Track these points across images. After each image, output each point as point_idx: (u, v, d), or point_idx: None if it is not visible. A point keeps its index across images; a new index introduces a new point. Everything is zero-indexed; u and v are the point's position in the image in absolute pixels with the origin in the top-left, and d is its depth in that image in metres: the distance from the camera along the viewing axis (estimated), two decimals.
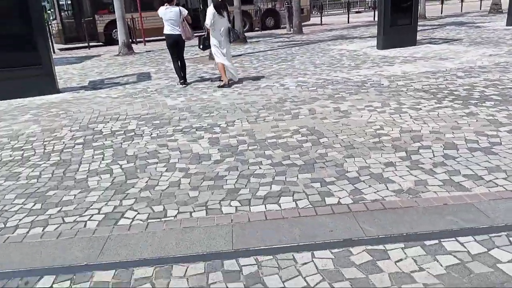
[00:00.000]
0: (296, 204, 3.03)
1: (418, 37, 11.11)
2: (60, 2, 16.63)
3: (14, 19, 7.27)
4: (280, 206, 3.02)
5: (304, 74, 7.90)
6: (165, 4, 7.33)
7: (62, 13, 16.58)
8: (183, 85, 7.56)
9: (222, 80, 7.43)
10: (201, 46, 7.63)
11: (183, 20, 7.25)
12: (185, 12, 7.38)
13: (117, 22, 13.27)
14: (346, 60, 9.25)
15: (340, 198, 3.07)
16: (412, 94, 5.84)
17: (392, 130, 4.43)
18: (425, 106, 5.20)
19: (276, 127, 4.83)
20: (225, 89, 7.14)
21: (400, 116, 4.89)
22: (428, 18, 19.34)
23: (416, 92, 5.94)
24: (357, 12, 29.90)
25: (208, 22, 7.10)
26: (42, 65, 7.36)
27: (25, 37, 7.28)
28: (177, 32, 7.30)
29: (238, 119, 5.25)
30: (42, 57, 7.35)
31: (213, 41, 7.31)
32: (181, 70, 7.68)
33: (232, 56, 11.15)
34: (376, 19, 12.50)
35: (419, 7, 13.45)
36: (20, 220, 3.09)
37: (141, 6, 15.98)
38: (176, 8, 7.32)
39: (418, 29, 11.14)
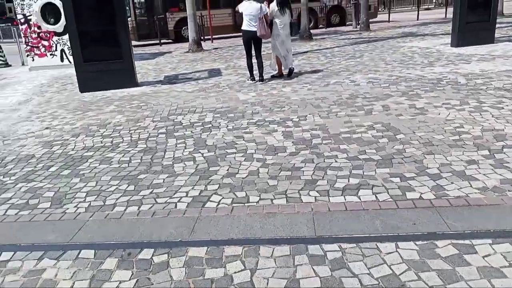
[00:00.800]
0: (376, 197, 3.07)
1: (496, 35, 10.50)
2: (135, 0, 17.58)
3: (100, 16, 7.86)
4: (360, 198, 3.08)
5: (375, 71, 7.80)
6: None
7: (136, 11, 17.51)
8: (253, 81, 7.73)
9: (275, 71, 8.09)
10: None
11: (262, 17, 7.34)
12: (265, 9, 7.40)
13: (188, 20, 13.80)
14: (418, 57, 8.98)
15: (421, 193, 3.07)
16: (493, 93, 5.59)
17: (473, 128, 4.30)
18: (507, 105, 4.98)
19: (349, 122, 4.86)
20: (294, 85, 7.24)
21: (481, 114, 4.72)
22: (506, 15, 18.15)
23: (496, 91, 5.68)
24: (426, 9, 28.68)
25: (269, 14, 7.49)
26: (123, 60, 7.88)
27: (109, 33, 7.83)
28: (254, 29, 7.39)
29: (309, 114, 5.33)
30: (124, 52, 7.88)
31: (273, 32, 7.63)
32: (253, 67, 7.83)
33: (299, 53, 11.33)
34: (449, 16, 11.96)
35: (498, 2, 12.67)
36: (117, 199, 3.40)
37: (210, 4, 16.47)
38: (258, 5, 7.33)
39: (496, 26, 10.53)
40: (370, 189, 3.20)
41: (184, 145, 4.56)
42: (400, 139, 4.17)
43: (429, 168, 3.47)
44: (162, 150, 4.43)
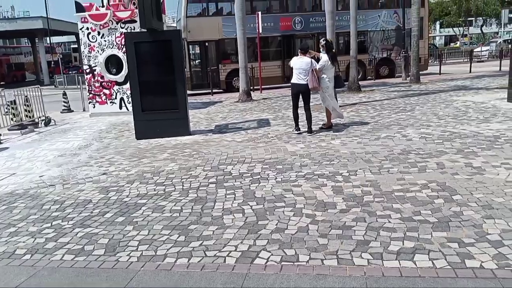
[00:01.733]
0: (433, 263, 2.93)
1: None
2: (191, 51, 18.63)
3: (159, 68, 8.40)
4: (415, 264, 2.94)
5: (427, 126, 7.64)
6: (299, 54, 7.75)
7: (191, 62, 18.50)
8: (298, 132, 7.84)
9: (326, 124, 8.22)
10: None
11: (313, 71, 7.55)
12: (315, 63, 7.66)
13: (240, 72, 14.38)
14: (472, 112, 8.73)
15: (482, 262, 2.89)
16: None
17: None
18: None
19: (402, 179, 4.74)
20: (343, 137, 7.23)
21: None
22: None
23: None
24: (479, 61, 28.12)
25: (319, 66, 7.76)
26: (179, 110, 8.27)
27: (167, 85, 8.30)
28: (303, 82, 7.58)
29: (360, 169, 5.26)
30: (180, 103, 8.28)
31: (322, 86, 7.84)
32: (298, 118, 7.99)
33: (347, 105, 11.37)
34: (503, 68, 11.64)
35: None
36: (167, 250, 3.46)
37: (261, 57, 17.11)
38: (308, 59, 7.60)
39: None
40: (426, 254, 3.06)
41: (233, 196, 4.62)
42: (457, 200, 4.00)
43: (490, 234, 3.28)
44: (212, 201, 4.50)
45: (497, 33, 49.20)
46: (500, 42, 34.52)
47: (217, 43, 18.36)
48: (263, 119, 10.05)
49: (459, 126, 7.41)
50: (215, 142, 7.59)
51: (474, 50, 33.85)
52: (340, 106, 11.06)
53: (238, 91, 14.83)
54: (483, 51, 31.29)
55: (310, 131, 7.78)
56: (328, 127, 8.13)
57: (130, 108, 11.58)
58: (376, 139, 6.92)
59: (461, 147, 5.96)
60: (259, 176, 5.26)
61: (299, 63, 7.61)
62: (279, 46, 19.43)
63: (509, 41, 33.27)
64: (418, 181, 4.64)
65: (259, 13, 16.76)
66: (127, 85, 11.79)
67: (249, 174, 5.37)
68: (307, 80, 7.51)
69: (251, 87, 16.72)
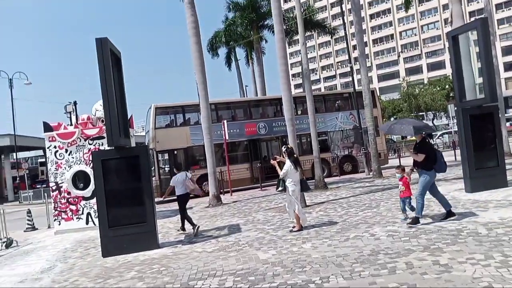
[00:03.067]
0: None
1: (508, 177, 10.71)
2: (159, 159, 18.91)
3: (127, 182, 8.46)
4: None
5: (393, 223, 7.83)
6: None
7: (160, 170, 18.67)
8: (182, 231, 9.70)
9: (295, 227, 8.27)
10: (279, 189, 8.46)
11: (189, 180, 9.98)
12: (189, 175, 10.35)
13: (209, 177, 14.63)
14: (434, 205, 9.03)
15: None
16: None
17: (503, 287, 4.14)
18: None
19: (374, 284, 4.74)
20: (314, 240, 7.26)
21: (509, 270, 4.59)
22: None
23: None
24: None
25: (283, 173, 8.25)
26: (147, 223, 8.17)
27: (135, 198, 8.31)
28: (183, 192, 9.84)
29: (332, 275, 5.24)
30: (148, 215, 8.22)
31: (289, 190, 8.24)
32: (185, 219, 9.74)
33: (316, 204, 11.58)
34: (458, 158, 12.39)
35: (503, 146, 13.25)
36: None
37: (229, 160, 17.57)
38: (183, 173, 10.09)
39: (506, 168, 10.81)
40: None
41: None
42: None
43: None
44: None
45: (448, 124, 52.96)
46: (439, 134, 37.11)
47: (185, 150, 18.87)
48: (233, 224, 10.02)
49: (423, 220, 7.63)
50: (185, 254, 7.43)
51: None
52: (308, 206, 11.32)
53: (208, 195, 14.90)
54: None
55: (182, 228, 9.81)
56: (298, 229, 8.19)
57: (97, 223, 11.33)
58: (346, 240, 6.99)
59: (427, 243, 6.10)
60: None
61: (179, 178, 10.00)
62: (246, 149, 20.13)
63: (446, 133, 35.83)
64: (390, 284, 4.65)
65: (225, 121, 17.64)
66: (94, 200, 11.66)
67: None
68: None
69: (221, 190, 16.86)
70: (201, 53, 15.18)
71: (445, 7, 65.08)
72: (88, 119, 12.73)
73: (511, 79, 73.36)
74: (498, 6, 74.96)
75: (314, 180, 15.16)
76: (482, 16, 15.59)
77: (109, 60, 8.14)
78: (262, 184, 17.94)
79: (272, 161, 8.88)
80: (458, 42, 10.74)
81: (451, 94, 55.05)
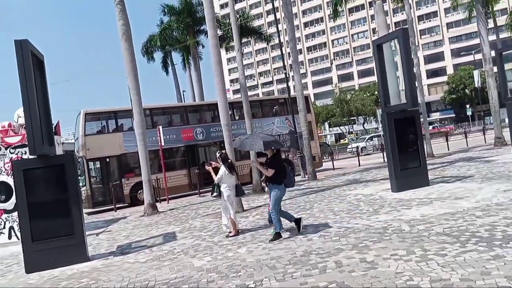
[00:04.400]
0: None
1: (430, 176, 11.53)
2: (90, 167, 18.04)
3: (53, 192, 7.98)
4: None
5: (325, 224, 8.10)
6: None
7: (91, 179, 17.83)
8: None
9: (233, 231, 8.22)
10: (214, 194, 8.42)
11: None
12: None
13: (143, 185, 14.19)
14: (363, 205, 9.52)
15: None
16: (435, 239, 5.91)
17: (422, 280, 4.43)
18: (450, 252, 5.24)
19: (305, 284, 4.85)
20: (249, 244, 7.31)
21: (427, 263, 4.91)
22: (436, 156, 20.17)
23: (438, 236, 6.02)
24: (366, 155, 31.34)
25: (217, 178, 8.25)
26: (74, 235, 7.74)
27: (61, 209, 7.84)
28: None
29: (266, 278, 5.29)
30: (75, 226, 7.79)
31: (224, 195, 8.25)
32: None
33: (253, 208, 11.67)
34: (386, 160, 13.12)
35: (425, 147, 14.23)
36: None
37: (166, 167, 17.21)
38: None
39: (428, 168, 11.63)
40: None
41: None
42: None
43: None
44: None
45: (377, 128, 56.05)
46: (368, 138, 39.21)
47: (118, 158, 18.18)
48: (169, 232, 9.80)
49: (353, 220, 7.98)
50: (116, 266, 7.13)
51: (348, 147, 37.92)
52: (245, 210, 11.38)
53: (144, 204, 14.47)
54: (353, 147, 34.97)
55: None
56: (234, 234, 8.19)
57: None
58: (280, 242, 7.11)
59: (355, 242, 6.38)
60: None
61: None
62: (183, 155, 19.83)
63: (375, 137, 37.92)
64: (320, 283, 4.79)
65: (160, 127, 17.27)
66: (17, 213, 10.87)
67: None
68: None
69: (158, 198, 16.44)
70: (133, 57, 14.75)
71: (373, 17, 69.01)
72: (9, 126, 11.85)
73: (433, 85, 79.33)
74: (420, 18, 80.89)
75: (252, 185, 15.28)
76: (405, 26, 16.68)
77: (30, 64, 7.65)
78: (201, 190, 17.76)
79: (207, 167, 8.83)
80: (383, 50, 11.40)
81: (379, 100, 58.30)
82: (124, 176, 17.96)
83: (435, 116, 74.51)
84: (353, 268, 5.14)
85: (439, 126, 59.73)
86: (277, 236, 7.33)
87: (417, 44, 50.07)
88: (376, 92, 63.27)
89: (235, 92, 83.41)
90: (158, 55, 31.10)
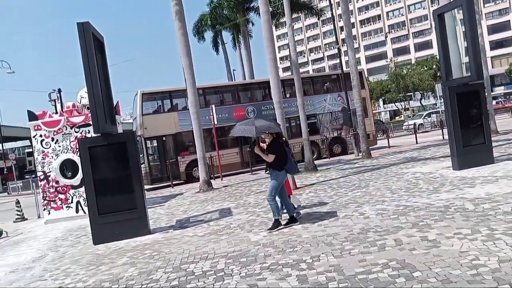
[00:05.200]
0: None
1: (495, 154, 10.87)
2: (148, 146, 18.82)
3: (115, 168, 8.38)
4: None
5: (382, 201, 7.91)
6: None
7: (149, 157, 18.59)
8: None
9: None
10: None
11: None
12: None
13: (198, 163, 14.58)
14: (423, 183, 9.18)
15: None
16: (502, 218, 5.60)
17: (489, 260, 4.22)
18: None
19: (363, 261, 4.79)
20: (304, 221, 7.31)
21: (495, 243, 4.67)
22: (501, 133, 18.97)
23: (506, 216, 5.69)
24: (424, 132, 30.08)
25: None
26: (136, 209, 8.14)
27: (123, 185, 8.24)
28: None
29: (323, 254, 5.28)
30: (137, 201, 8.18)
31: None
32: None
33: (306, 186, 11.65)
34: (446, 137, 12.53)
35: (489, 123, 13.40)
36: None
37: (219, 145, 17.54)
38: None
39: (493, 145, 10.96)
40: None
41: None
42: (417, 277, 4.07)
43: None
44: None
45: (436, 104, 53.40)
46: (425, 114, 37.44)
47: (174, 136, 18.76)
48: (225, 208, 10.04)
49: (412, 199, 7.73)
50: (176, 239, 7.43)
51: (403, 124, 36.44)
52: (298, 188, 11.38)
53: (199, 181, 14.90)
54: (410, 124, 33.55)
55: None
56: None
57: (87, 211, 11.27)
58: (336, 219, 7.05)
59: (415, 220, 6.18)
60: (223, 273, 5.14)
61: None
62: None
63: (433, 113, 36.17)
64: (379, 260, 4.71)
65: (213, 106, 17.52)
66: (83, 188, 11.57)
67: (213, 272, 5.24)
68: None
69: (212, 175, 16.85)
70: (187, 38, 14.97)
71: None
72: (73, 107, 12.54)
73: (497, 58, 74.00)
74: None
75: (304, 163, 15.23)
76: None
77: (92, 45, 7.98)
78: (253, 168, 17.98)
79: (256, 149, 8.71)
80: (444, 20, 10.73)
81: (438, 74, 55.37)
82: (179, 154, 18.55)
83: (499, 90, 69.74)
84: (413, 247, 4.99)
85: (503, 101, 55.86)
86: (276, 224, 7.01)
87: (480, 13, 46.73)
88: (434, 66, 60.14)
89: (285, 70, 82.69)
90: (208, 35, 31.40)
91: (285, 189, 7.49)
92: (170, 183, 17.59)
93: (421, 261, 4.47)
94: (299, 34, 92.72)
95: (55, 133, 11.96)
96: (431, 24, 76.50)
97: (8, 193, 29.51)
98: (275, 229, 6.93)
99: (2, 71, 32.41)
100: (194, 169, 17.88)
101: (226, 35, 32.54)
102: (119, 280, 5.51)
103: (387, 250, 5.03)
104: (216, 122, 17.27)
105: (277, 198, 7.23)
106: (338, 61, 23.55)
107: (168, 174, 17.98)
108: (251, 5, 28.19)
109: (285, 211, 7.40)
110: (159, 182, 18.44)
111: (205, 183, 14.25)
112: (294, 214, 7.37)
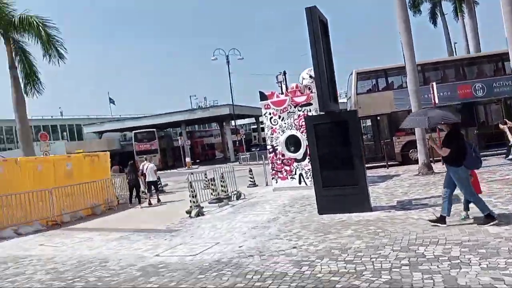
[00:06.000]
0: None
1: None
2: (362, 125, 18.87)
3: (338, 145, 8.74)
4: None
5: None
6: None
7: (363, 136, 18.65)
8: None
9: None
10: (509, 157, 7.30)
11: None
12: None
13: (417, 143, 13.88)
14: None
15: None
16: None
17: None
18: None
19: None
20: None
21: None
22: None
23: None
24: None
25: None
26: (358, 185, 8.35)
27: (345, 161, 8.56)
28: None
29: None
30: (359, 178, 8.38)
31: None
32: None
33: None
34: None
35: None
36: None
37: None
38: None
39: None
40: None
41: (431, 281, 4.33)
42: None
43: None
44: (409, 284, 4.30)
45: None
46: None
47: (389, 116, 18.25)
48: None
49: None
50: (400, 220, 7.32)
51: None
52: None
53: (415, 163, 14.21)
54: None
55: None
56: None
57: (309, 183, 12.20)
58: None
59: None
60: (458, 261, 4.84)
61: None
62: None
63: None
64: None
65: (434, 83, 16.22)
66: (305, 162, 12.56)
67: (446, 258, 4.98)
68: None
69: (431, 158, 15.79)
70: (406, 11, 14.21)
71: None
72: (296, 87, 13.57)
73: None
74: None
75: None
76: None
77: (318, 28, 8.40)
78: (480, 153, 15.97)
79: (501, 126, 7.80)
80: None
81: None
82: (395, 135, 17.97)
83: None
84: None
85: None
86: (441, 219, 6.51)
87: None
88: None
89: None
90: (424, 7, 29.04)
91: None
92: (384, 163, 17.30)
93: None
94: None
95: (281, 111, 13.24)
96: None
97: (239, 163, 34.39)
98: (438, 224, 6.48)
99: (233, 58, 37.96)
100: (410, 150, 17.10)
101: (447, 5, 29.50)
102: (347, 250, 5.81)
103: None
104: (437, 101, 15.96)
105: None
106: None
107: (383, 154, 17.71)
108: None
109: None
110: (372, 161, 18.31)
111: (425, 166, 13.48)
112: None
